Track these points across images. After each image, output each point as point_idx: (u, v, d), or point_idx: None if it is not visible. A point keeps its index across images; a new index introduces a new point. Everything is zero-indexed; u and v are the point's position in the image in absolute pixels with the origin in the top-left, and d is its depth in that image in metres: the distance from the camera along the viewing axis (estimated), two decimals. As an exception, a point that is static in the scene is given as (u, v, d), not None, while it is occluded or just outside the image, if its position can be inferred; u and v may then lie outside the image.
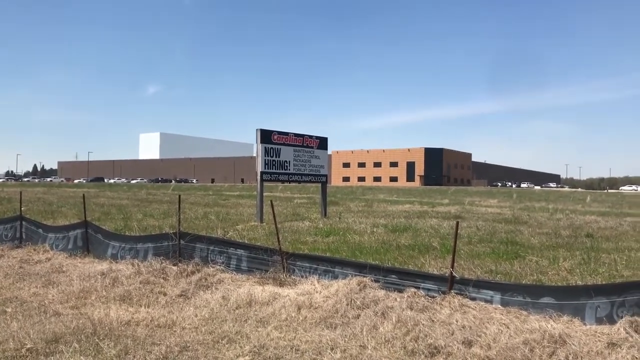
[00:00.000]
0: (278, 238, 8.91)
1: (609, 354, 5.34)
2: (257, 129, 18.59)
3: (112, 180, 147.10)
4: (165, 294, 7.98)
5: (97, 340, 5.75)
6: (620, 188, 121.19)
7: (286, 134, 19.55)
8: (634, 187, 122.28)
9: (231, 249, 9.33)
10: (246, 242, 11.42)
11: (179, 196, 11.30)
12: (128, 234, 12.85)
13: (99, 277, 8.88)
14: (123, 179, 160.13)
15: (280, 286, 8.07)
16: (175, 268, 9.12)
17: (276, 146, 19.07)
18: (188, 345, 5.72)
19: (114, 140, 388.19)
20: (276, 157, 19.08)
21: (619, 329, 5.76)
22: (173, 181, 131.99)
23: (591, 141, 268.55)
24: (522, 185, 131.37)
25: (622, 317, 6.02)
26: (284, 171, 19.43)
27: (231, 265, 9.12)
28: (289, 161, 19.59)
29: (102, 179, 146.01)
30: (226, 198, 38.07)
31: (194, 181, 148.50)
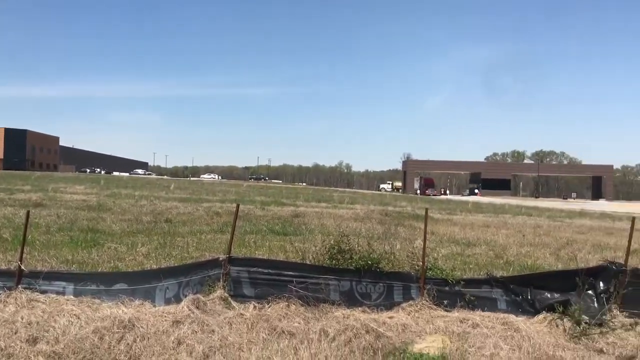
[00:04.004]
0: None
1: (173, 331, 5.84)
2: None
3: None
4: None
5: None
6: (201, 176, 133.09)
7: None
8: (212, 175, 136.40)
9: None
10: None
11: None
12: None
13: None
14: None
15: None
16: None
17: None
18: None
19: None
20: None
21: (183, 307, 6.37)
22: None
23: (176, 131, 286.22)
24: (139, 172, 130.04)
25: (187, 296, 6.67)
26: None
27: None
28: None
29: None
30: None
31: None
